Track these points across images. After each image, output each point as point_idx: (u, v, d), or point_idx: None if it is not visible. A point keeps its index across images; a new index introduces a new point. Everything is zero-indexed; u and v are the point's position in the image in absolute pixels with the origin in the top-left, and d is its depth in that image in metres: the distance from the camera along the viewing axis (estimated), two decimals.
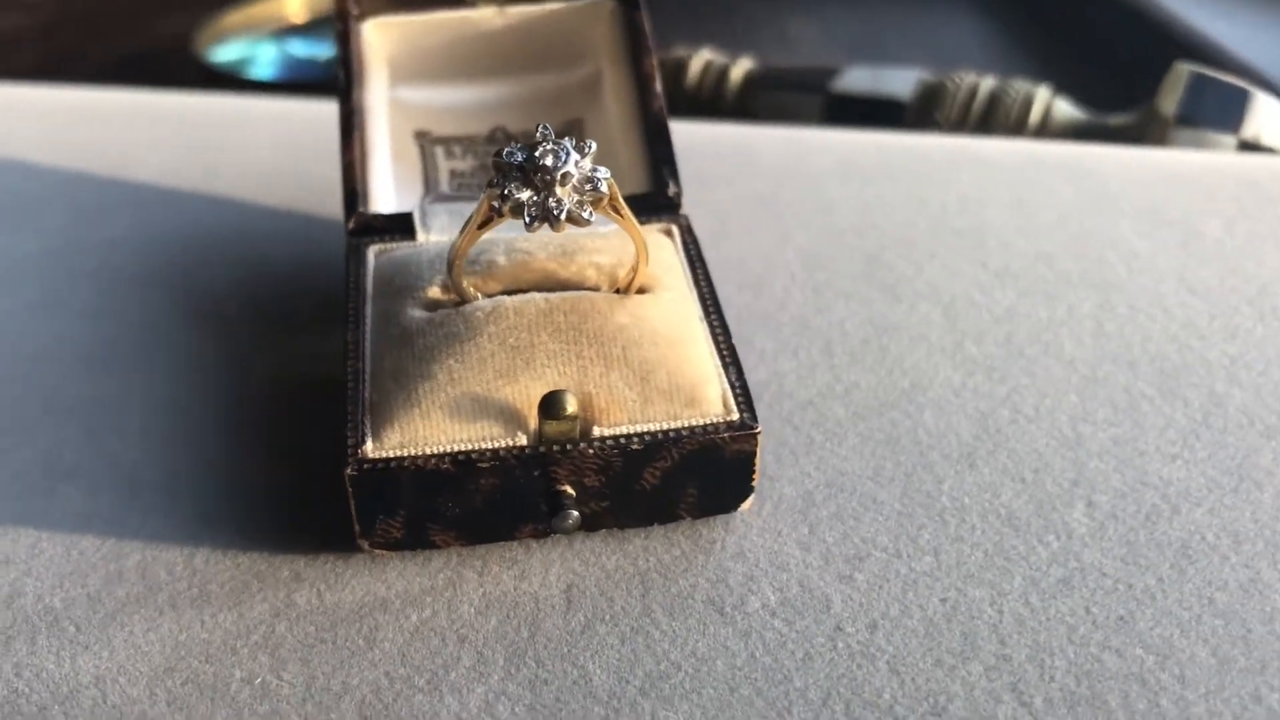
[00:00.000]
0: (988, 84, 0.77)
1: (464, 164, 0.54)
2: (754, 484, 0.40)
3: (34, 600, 0.39)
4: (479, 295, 0.41)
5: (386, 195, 0.50)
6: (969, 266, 0.54)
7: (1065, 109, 0.76)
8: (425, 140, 0.54)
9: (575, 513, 0.38)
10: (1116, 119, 0.74)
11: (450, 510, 0.39)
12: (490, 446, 0.38)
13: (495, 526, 0.39)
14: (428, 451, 0.38)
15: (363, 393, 0.40)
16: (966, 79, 0.78)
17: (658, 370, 0.40)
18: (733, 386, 0.40)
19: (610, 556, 0.40)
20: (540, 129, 0.38)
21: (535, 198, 0.37)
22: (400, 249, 0.46)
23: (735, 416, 0.39)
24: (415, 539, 0.39)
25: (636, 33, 0.53)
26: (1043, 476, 0.43)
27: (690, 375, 0.40)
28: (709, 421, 0.39)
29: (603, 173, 0.38)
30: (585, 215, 0.37)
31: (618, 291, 0.42)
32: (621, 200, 0.39)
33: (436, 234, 0.46)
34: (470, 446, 0.38)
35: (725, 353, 0.42)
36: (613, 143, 0.53)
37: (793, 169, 0.61)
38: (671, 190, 0.48)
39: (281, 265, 0.54)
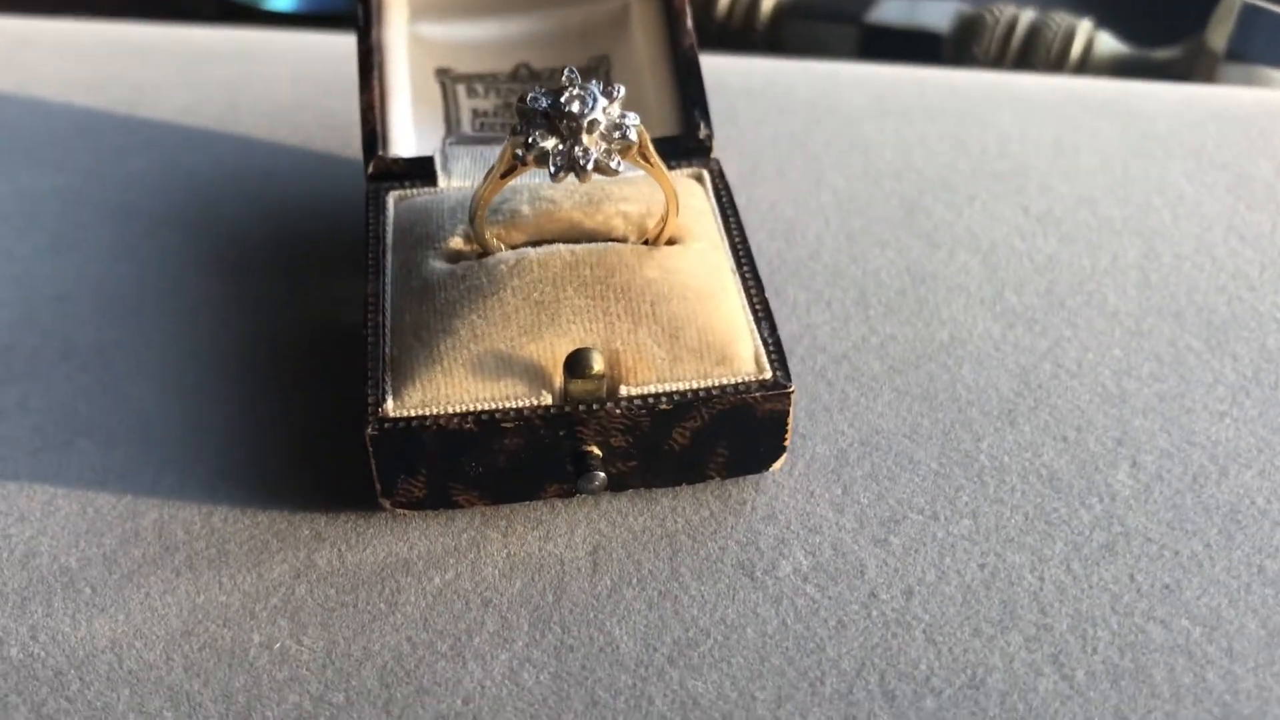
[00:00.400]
0: (1027, 16, 0.74)
1: (487, 103, 0.52)
2: (786, 444, 0.39)
3: (49, 560, 0.38)
4: (502, 246, 0.40)
5: (407, 136, 0.48)
6: (1009, 211, 0.52)
7: (1108, 42, 0.73)
8: (446, 78, 0.53)
9: (602, 474, 0.37)
10: (1162, 53, 0.72)
11: (473, 470, 0.37)
12: (514, 405, 0.37)
13: (519, 486, 0.38)
14: (450, 410, 0.37)
15: (383, 348, 0.39)
16: (1006, 11, 0.75)
17: (687, 327, 0.38)
18: (765, 343, 0.39)
19: (638, 517, 0.39)
20: (566, 72, 0.36)
21: (561, 146, 0.36)
22: (421, 196, 0.44)
23: (768, 375, 0.38)
24: (438, 499, 0.38)
25: None
26: (1085, 435, 0.42)
27: (721, 331, 0.38)
28: (740, 380, 0.38)
29: (632, 119, 0.36)
30: (614, 165, 0.36)
31: (646, 243, 0.40)
32: (651, 147, 0.37)
33: (458, 179, 0.45)
34: (494, 405, 0.37)
35: (758, 306, 0.40)
36: (641, 81, 0.51)
37: (827, 106, 0.59)
38: (703, 133, 0.47)
39: (303, 205, 0.52)
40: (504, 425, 0.37)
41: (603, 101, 0.36)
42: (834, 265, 0.49)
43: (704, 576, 0.37)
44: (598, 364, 0.37)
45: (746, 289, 0.41)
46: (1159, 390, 0.43)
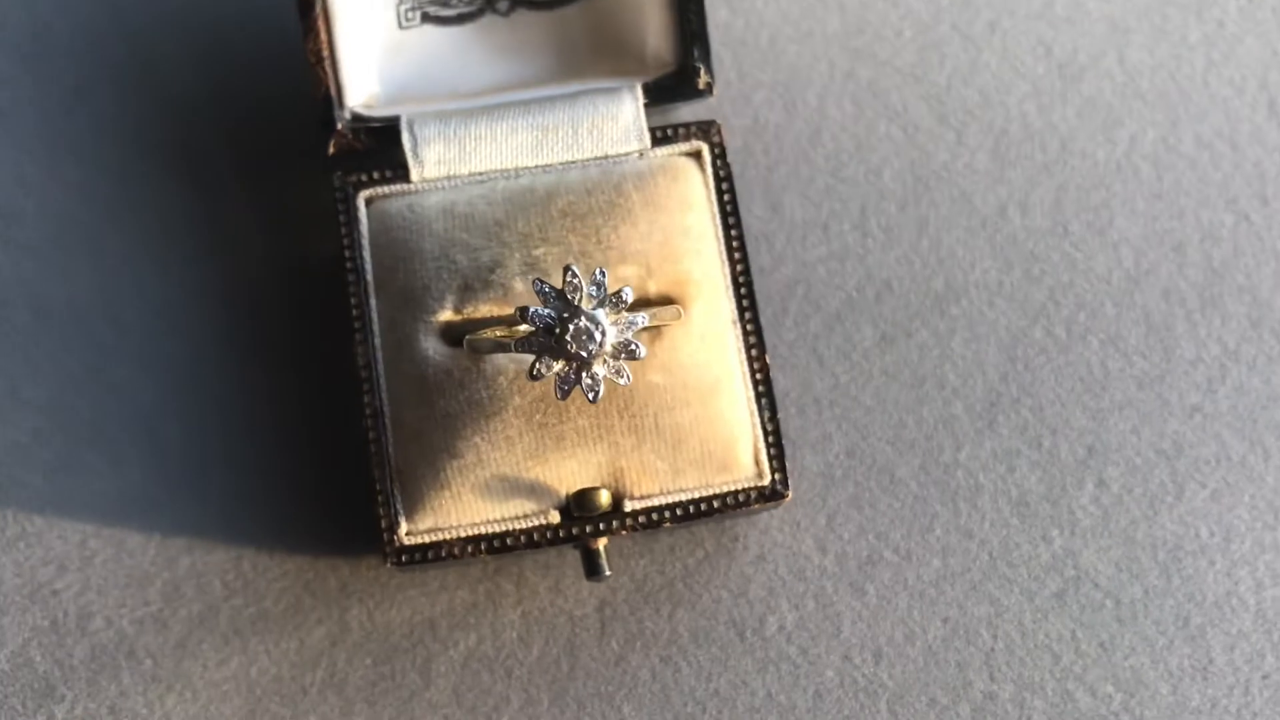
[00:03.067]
0: None
1: None
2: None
3: (104, 624, 0.41)
4: (496, 338, 0.39)
5: (354, 40, 0.42)
6: (1029, 53, 0.48)
7: None
8: None
9: (609, 571, 0.40)
10: None
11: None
12: (524, 527, 0.39)
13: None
14: (461, 535, 0.39)
15: (388, 451, 0.39)
16: None
17: (690, 438, 0.39)
18: (765, 432, 0.40)
19: (639, 560, 0.42)
20: (567, 276, 0.33)
21: (568, 371, 0.34)
22: (395, 200, 0.41)
23: (766, 481, 0.39)
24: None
25: None
26: (1059, 441, 0.44)
27: (722, 435, 0.39)
28: (739, 488, 0.39)
29: (637, 323, 0.34)
30: (622, 382, 0.34)
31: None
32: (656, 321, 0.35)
33: (432, 168, 0.41)
34: (503, 528, 0.39)
35: (758, 375, 0.40)
36: None
37: None
38: (702, 81, 0.42)
39: (262, 75, 0.46)
40: (514, 549, 0.39)
41: (606, 327, 0.33)
42: (836, 156, 0.46)
43: (700, 638, 0.42)
44: (604, 501, 0.38)
45: (748, 349, 0.40)
46: (1140, 372, 0.44)
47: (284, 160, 0.44)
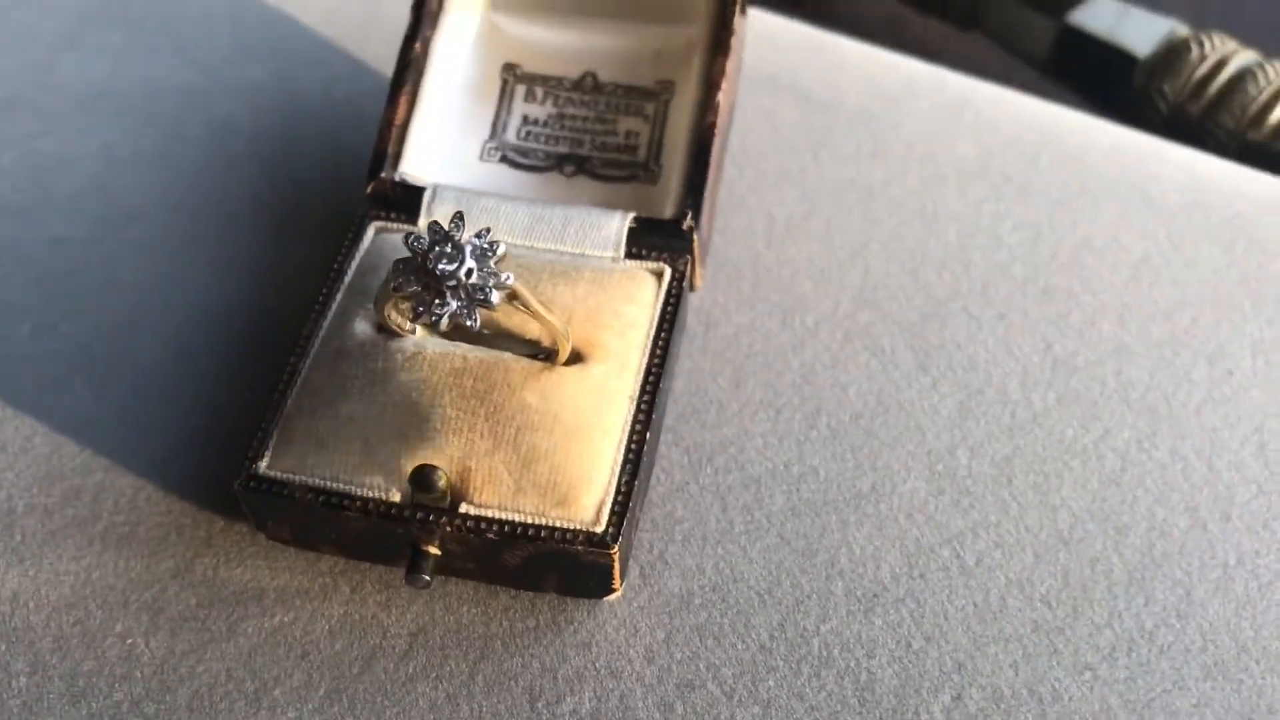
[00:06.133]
0: (1242, 59, 0.66)
1: (541, 109, 0.53)
2: (614, 587, 0.41)
3: (4, 498, 0.45)
4: (414, 330, 0.42)
5: (432, 148, 0.50)
6: (1030, 343, 0.50)
7: None
8: (511, 75, 0.54)
9: (427, 577, 0.40)
10: None
11: (329, 535, 0.42)
12: (361, 495, 0.40)
13: (373, 554, 0.42)
14: (308, 483, 0.41)
15: (286, 400, 0.43)
16: (1219, 45, 0.67)
17: (542, 461, 0.40)
18: (617, 491, 0.40)
19: (470, 608, 0.42)
20: (453, 220, 0.38)
21: (424, 296, 0.37)
22: (396, 234, 0.47)
23: (599, 529, 0.40)
24: (303, 543, 0.43)
25: (724, 24, 0.49)
26: (930, 649, 0.41)
27: (573, 473, 0.40)
28: (570, 528, 0.40)
29: (498, 279, 0.37)
30: (469, 323, 0.37)
31: (548, 357, 0.42)
32: (530, 296, 0.38)
33: (439, 220, 0.47)
34: (346, 489, 0.40)
35: (634, 447, 0.41)
36: (685, 127, 0.51)
37: (925, 153, 0.56)
38: (686, 224, 0.47)
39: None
40: (348, 512, 0.40)
41: (470, 264, 0.37)
42: (811, 366, 0.49)
43: (492, 691, 0.40)
44: (439, 483, 0.39)
45: (634, 424, 0.42)
46: (1039, 617, 0.42)
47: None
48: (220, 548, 0.44)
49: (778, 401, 0.48)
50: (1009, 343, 0.50)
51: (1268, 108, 0.65)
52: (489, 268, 0.37)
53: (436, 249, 0.37)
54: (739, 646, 0.41)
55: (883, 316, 0.50)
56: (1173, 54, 0.67)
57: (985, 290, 0.51)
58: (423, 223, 0.47)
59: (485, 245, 0.37)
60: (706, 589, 0.43)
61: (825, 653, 0.41)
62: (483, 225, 0.47)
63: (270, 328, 0.50)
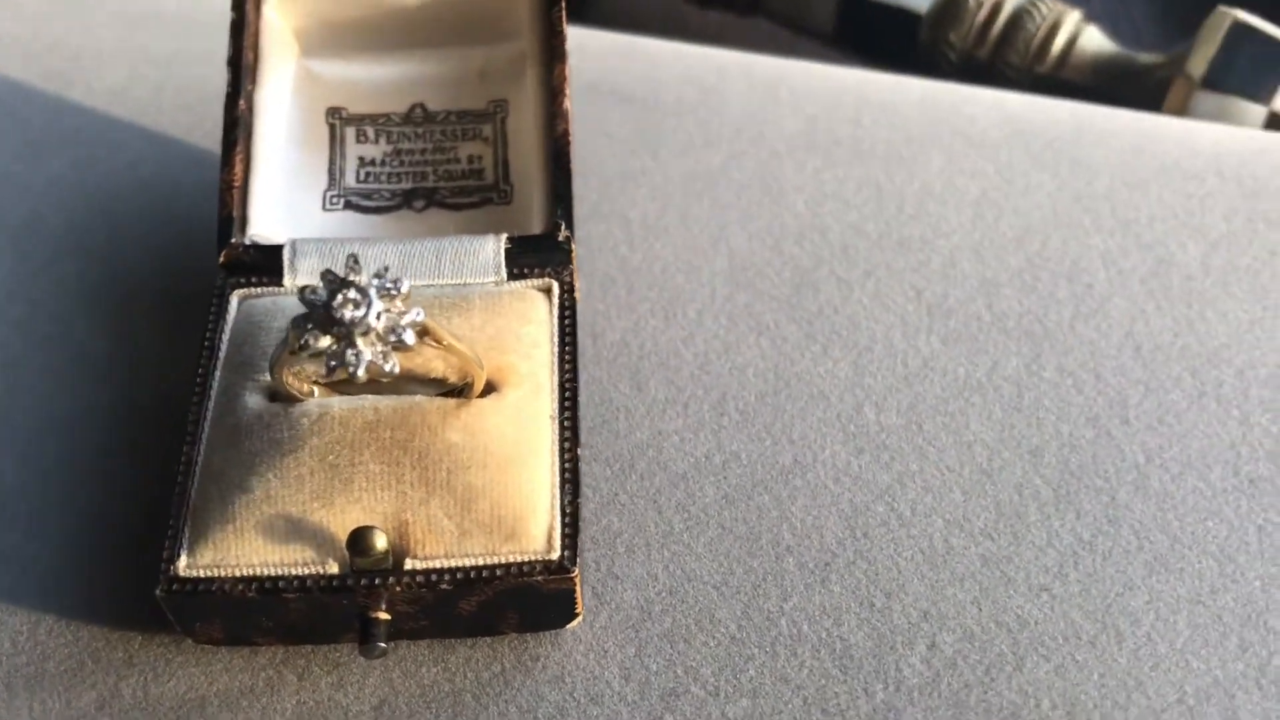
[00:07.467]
0: (1014, 1, 0.70)
1: (375, 149, 0.51)
2: (577, 612, 0.40)
3: None
4: (312, 391, 0.40)
5: (274, 206, 0.48)
6: (901, 295, 0.51)
7: (1094, 38, 0.69)
8: (337, 119, 0.52)
9: (383, 644, 0.38)
10: (1146, 57, 0.67)
11: (265, 624, 0.39)
12: (298, 574, 0.38)
13: (315, 635, 0.40)
14: (236, 574, 0.38)
15: (190, 492, 0.40)
16: None
17: (481, 499, 0.39)
18: (563, 513, 0.39)
19: (430, 668, 0.40)
20: (349, 261, 0.36)
21: (335, 347, 0.35)
22: (264, 297, 0.44)
23: (555, 556, 0.38)
24: (237, 640, 0.40)
25: (553, 32, 0.49)
26: (893, 603, 0.42)
27: (515, 504, 0.39)
28: (526, 560, 0.38)
29: (410, 317, 0.36)
30: (388, 368, 0.35)
31: (460, 393, 0.40)
32: (441, 331, 0.37)
33: (304, 277, 0.45)
34: (279, 572, 0.38)
35: (567, 467, 0.40)
36: (530, 142, 0.50)
37: (755, 134, 0.56)
38: (561, 235, 0.46)
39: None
40: (286, 595, 0.38)
41: (378, 306, 0.35)
42: (705, 355, 0.49)
43: None
44: (380, 544, 0.37)
45: (561, 442, 0.41)
46: (985, 551, 0.43)
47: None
48: (145, 664, 0.40)
49: (682, 396, 0.47)
50: (882, 297, 0.51)
51: (1047, 41, 0.69)
52: (396, 307, 0.36)
53: (340, 296, 0.35)
54: (710, 643, 0.41)
55: (759, 295, 0.51)
56: (952, 4, 0.70)
57: (847, 252, 0.52)
58: (289, 281, 0.45)
59: (389, 284, 0.36)
60: (664, 594, 0.42)
61: (795, 629, 0.41)
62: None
63: (134, 424, 0.46)
